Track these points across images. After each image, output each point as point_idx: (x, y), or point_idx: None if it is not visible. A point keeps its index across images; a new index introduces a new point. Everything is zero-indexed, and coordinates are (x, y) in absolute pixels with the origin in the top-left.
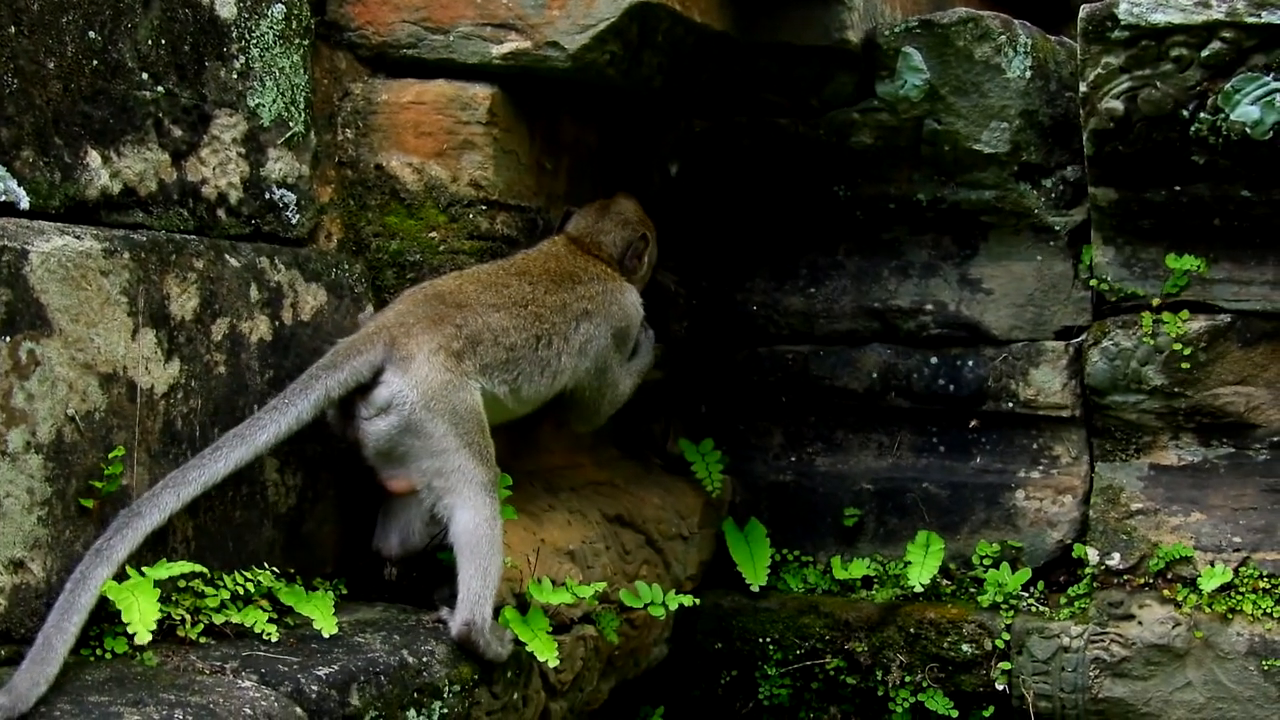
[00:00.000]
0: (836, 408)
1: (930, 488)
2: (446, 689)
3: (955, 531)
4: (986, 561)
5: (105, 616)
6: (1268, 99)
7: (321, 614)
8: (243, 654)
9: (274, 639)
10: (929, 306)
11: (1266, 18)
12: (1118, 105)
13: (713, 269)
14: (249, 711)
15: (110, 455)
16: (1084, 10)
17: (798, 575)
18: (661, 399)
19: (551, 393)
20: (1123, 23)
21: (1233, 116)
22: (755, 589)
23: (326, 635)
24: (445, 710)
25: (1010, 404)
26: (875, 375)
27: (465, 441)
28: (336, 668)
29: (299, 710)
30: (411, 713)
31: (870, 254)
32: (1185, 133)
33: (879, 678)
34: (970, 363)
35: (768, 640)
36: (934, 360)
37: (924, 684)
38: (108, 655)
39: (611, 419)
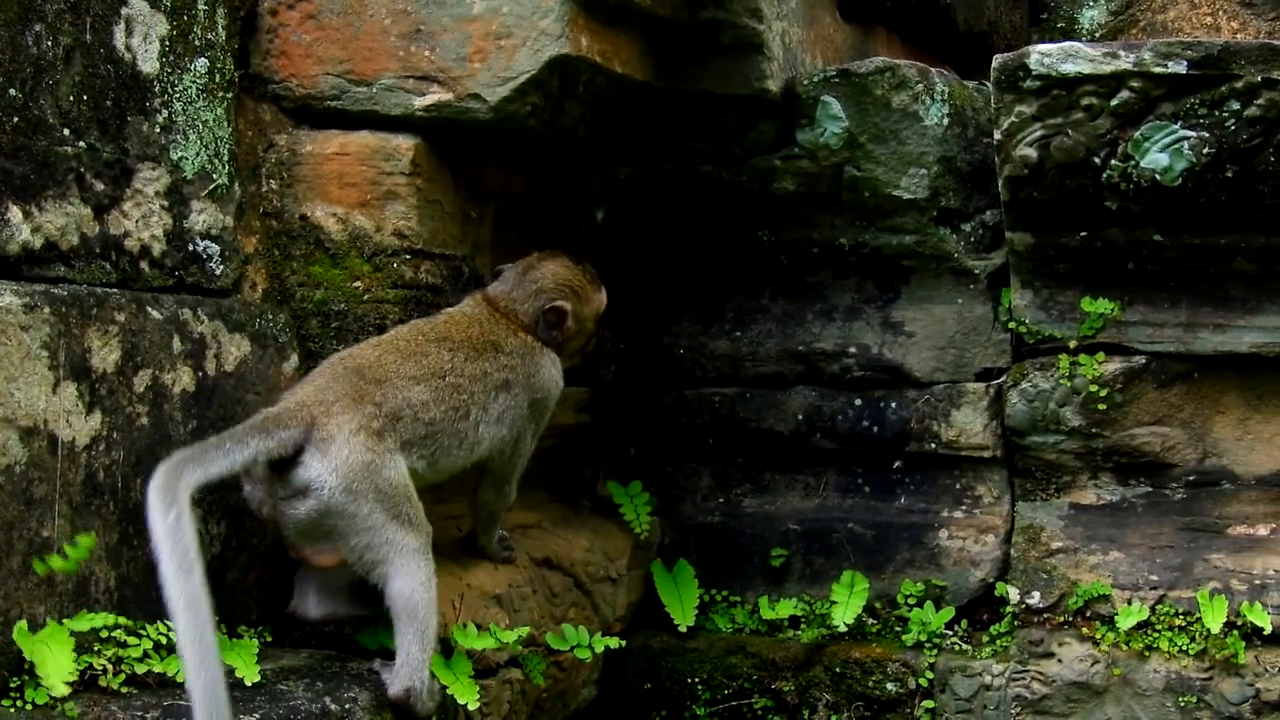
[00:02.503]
0: (763, 449)
1: (855, 528)
2: None
3: (880, 571)
4: (911, 600)
5: (27, 669)
6: (1175, 147)
7: (244, 662)
8: (164, 703)
9: None
10: (852, 349)
11: (1172, 68)
12: (1031, 153)
13: (640, 313)
14: None
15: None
16: (996, 60)
17: (726, 615)
18: (591, 442)
19: (469, 463)
20: (1034, 73)
21: (1143, 164)
22: (683, 629)
23: (249, 684)
24: None
25: (933, 445)
26: (801, 417)
27: (392, 515)
28: (257, 716)
29: None
30: None
31: (795, 298)
32: (1098, 179)
33: (806, 717)
34: (894, 404)
35: (696, 680)
36: (858, 402)
37: None
38: (28, 706)
39: (540, 463)
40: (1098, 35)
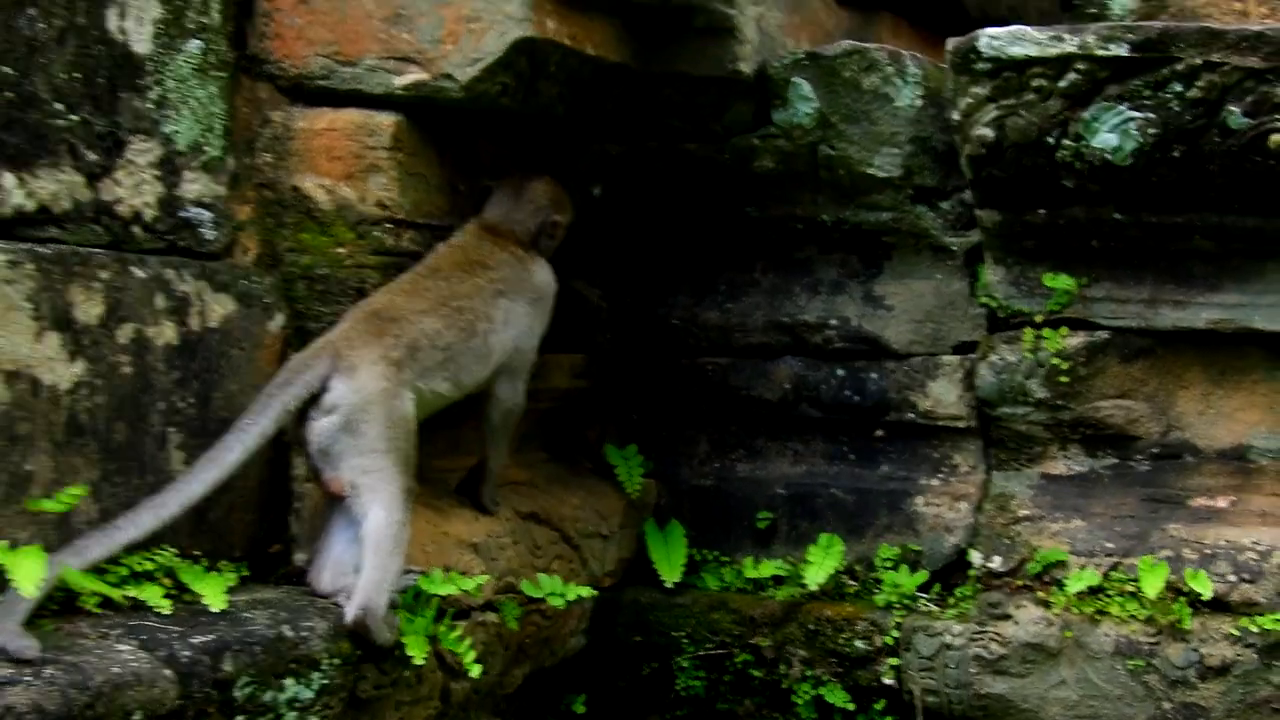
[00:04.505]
0: (755, 416)
1: (838, 493)
2: (325, 662)
3: (861, 535)
4: (888, 564)
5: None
6: (1123, 127)
7: (213, 591)
8: (130, 624)
9: (166, 612)
10: (833, 321)
11: (1114, 50)
12: (988, 132)
13: (636, 285)
14: (117, 670)
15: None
16: (950, 44)
17: (715, 574)
18: (592, 407)
19: (489, 371)
20: (984, 55)
21: (1093, 144)
22: (669, 585)
23: (215, 610)
24: (326, 681)
25: (911, 414)
26: (788, 386)
27: (392, 446)
28: (213, 637)
29: (168, 672)
30: (290, 681)
31: (784, 272)
32: (1052, 158)
33: (782, 671)
34: (873, 375)
35: (681, 634)
36: (840, 372)
37: (823, 678)
38: None
39: (539, 425)
40: (1127, 21)
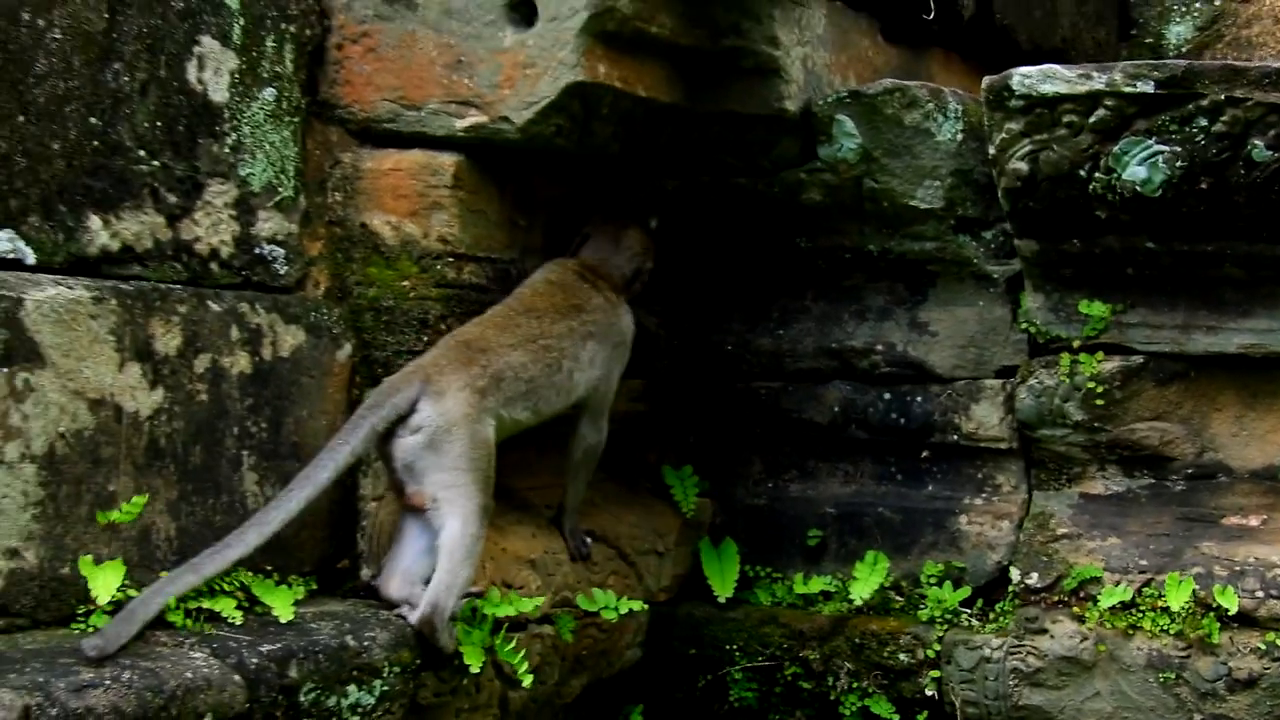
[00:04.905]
0: (807, 438)
1: (885, 512)
2: (386, 669)
3: (907, 552)
4: (932, 580)
5: (92, 599)
6: (1152, 160)
7: (282, 604)
8: (205, 633)
9: (238, 623)
10: (880, 347)
11: (1140, 87)
12: (1023, 166)
13: (692, 312)
14: (189, 675)
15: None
16: (985, 82)
17: (767, 590)
18: (652, 430)
19: (567, 405)
20: (1017, 93)
21: (1124, 176)
22: (722, 600)
23: (284, 621)
24: (386, 688)
25: (954, 436)
26: (837, 409)
27: (473, 465)
28: (280, 645)
29: (237, 677)
30: (352, 687)
31: (833, 299)
32: (1085, 190)
33: (830, 683)
34: (918, 398)
35: (734, 648)
36: (886, 396)
37: (869, 690)
38: (90, 629)
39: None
40: (1184, 50)
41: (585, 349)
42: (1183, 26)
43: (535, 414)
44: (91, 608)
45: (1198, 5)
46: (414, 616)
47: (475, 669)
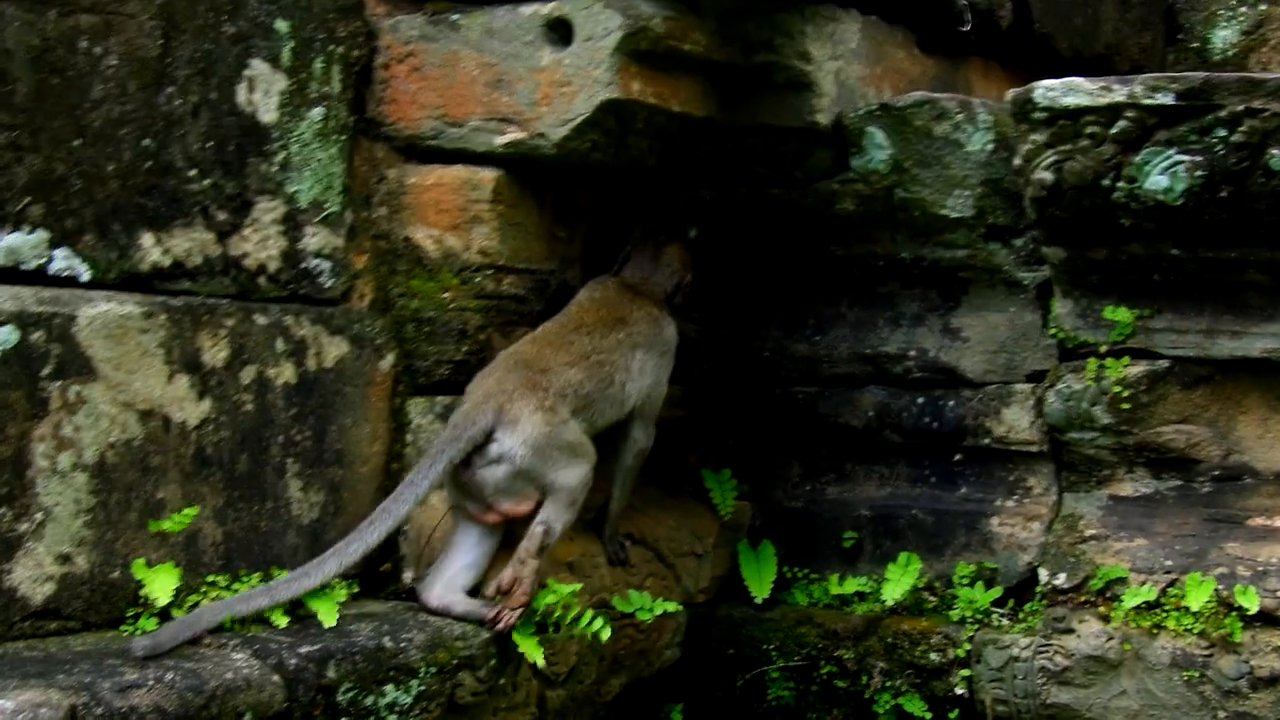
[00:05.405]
0: (843, 442)
1: (919, 514)
2: (423, 670)
3: (940, 553)
4: (964, 581)
5: (141, 601)
6: (1173, 170)
7: (326, 608)
8: (247, 635)
9: (281, 626)
10: (913, 353)
11: (1160, 99)
12: (1048, 176)
13: (730, 319)
14: (230, 676)
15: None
16: (1009, 94)
17: (804, 591)
18: (691, 434)
19: (622, 414)
20: (1040, 105)
21: (1146, 185)
22: (759, 601)
23: (326, 625)
24: (423, 688)
25: (986, 440)
26: (872, 414)
27: (570, 455)
28: (319, 646)
29: (276, 678)
30: (389, 687)
31: (868, 306)
32: (1109, 199)
33: (864, 682)
34: (950, 403)
35: (771, 647)
36: (920, 400)
37: (902, 688)
38: (139, 632)
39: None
40: (1230, 54)
41: (634, 359)
42: (1228, 31)
43: (591, 426)
44: (141, 610)
45: (1243, 10)
46: (535, 527)
47: (541, 664)
